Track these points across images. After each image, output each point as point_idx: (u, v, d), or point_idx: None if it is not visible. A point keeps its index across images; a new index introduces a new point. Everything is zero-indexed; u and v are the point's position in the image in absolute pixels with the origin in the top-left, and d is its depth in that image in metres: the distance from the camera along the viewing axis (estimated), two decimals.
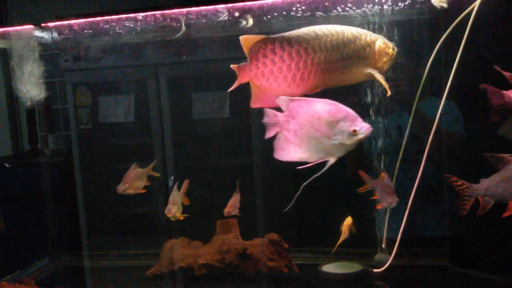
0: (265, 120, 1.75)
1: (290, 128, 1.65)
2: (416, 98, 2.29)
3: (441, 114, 2.17)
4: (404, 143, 2.34)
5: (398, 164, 2.34)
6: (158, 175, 2.43)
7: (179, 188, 2.36)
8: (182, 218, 2.26)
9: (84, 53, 3.56)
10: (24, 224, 3.41)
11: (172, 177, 3.41)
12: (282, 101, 1.66)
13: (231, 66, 1.74)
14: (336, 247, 2.30)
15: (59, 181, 3.45)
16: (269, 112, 1.74)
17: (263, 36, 1.67)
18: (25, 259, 2.71)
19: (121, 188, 2.24)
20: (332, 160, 1.64)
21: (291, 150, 1.71)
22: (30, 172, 3.64)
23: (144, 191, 2.31)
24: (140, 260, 2.63)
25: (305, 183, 1.74)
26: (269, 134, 1.75)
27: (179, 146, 3.46)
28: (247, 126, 3.26)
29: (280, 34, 1.68)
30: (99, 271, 2.61)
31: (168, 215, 2.23)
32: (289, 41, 1.66)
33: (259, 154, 3.32)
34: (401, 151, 2.35)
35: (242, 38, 1.68)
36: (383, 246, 2.43)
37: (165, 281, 2.31)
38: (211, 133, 3.50)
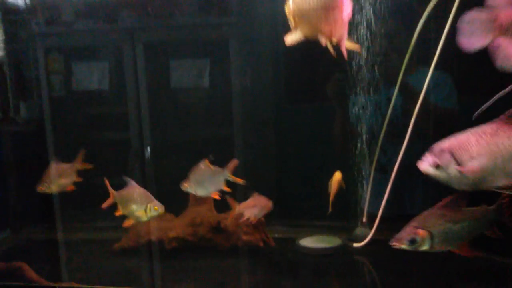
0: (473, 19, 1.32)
1: None
2: (402, 71, 2.15)
3: (432, 87, 2.04)
4: (387, 118, 2.22)
5: (380, 139, 2.23)
6: (90, 166, 2.22)
7: None
8: None
9: (57, 16, 3.37)
10: None
11: (149, 148, 3.28)
12: None
13: None
14: (330, 206, 2.21)
15: (29, 150, 3.30)
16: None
17: None
18: None
19: (40, 188, 2.04)
20: None
21: None
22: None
23: (72, 188, 2.09)
24: (109, 233, 2.49)
25: None
26: (477, 43, 1.34)
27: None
28: (227, 96, 3.13)
29: None
30: (64, 244, 2.48)
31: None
32: None
33: (239, 125, 3.19)
34: (384, 125, 2.23)
35: None
36: (364, 220, 2.33)
37: (133, 255, 2.19)
38: (190, 103, 3.36)
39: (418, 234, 1.54)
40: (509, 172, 1.36)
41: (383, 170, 2.31)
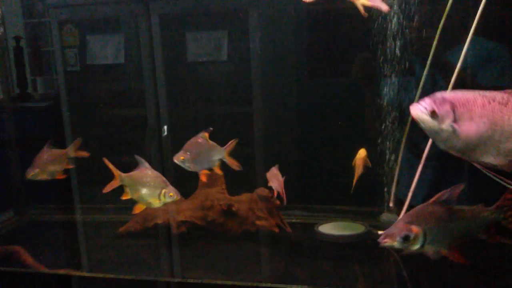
0: None
1: None
2: (434, 45, 1.92)
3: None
4: (417, 97, 2.00)
5: (408, 123, 2.02)
6: (87, 154, 2.04)
7: None
8: None
9: None
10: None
11: (166, 126, 3.16)
12: None
13: None
14: (353, 186, 2.01)
15: (45, 127, 3.23)
16: None
17: None
18: None
19: (30, 173, 1.90)
20: None
21: None
22: (15, 117, 3.41)
23: (63, 176, 1.95)
24: (118, 215, 2.37)
25: None
26: None
27: None
28: (246, 70, 2.96)
29: None
30: (68, 226, 2.38)
31: None
32: None
33: (259, 101, 3.03)
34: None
35: None
36: (391, 205, 2.14)
37: (138, 239, 2.06)
38: (208, 77, 3.20)
39: (412, 231, 1.36)
40: (501, 150, 1.22)
41: (416, 152, 2.11)
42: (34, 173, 1.88)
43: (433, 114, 1.22)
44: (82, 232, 2.31)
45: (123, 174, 1.76)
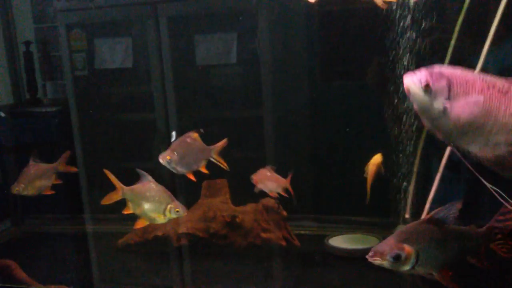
0: None
1: None
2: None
3: None
4: None
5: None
6: (75, 170, 1.95)
7: None
8: None
9: None
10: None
11: (174, 132, 3.09)
12: None
13: None
14: (368, 195, 1.90)
15: (52, 132, 3.20)
16: None
17: None
18: None
19: (15, 188, 1.80)
20: None
21: None
22: (23, 122, 3.39)
23: (51, 192, 1.84)
24: (117, 225, 2.28)
25: None
26: None
27: None
28: (256, 73, 2.87)
29: None
30: (66, 237, 2.31)
31: None
32: None
33: (270, 104, 2.93)
34: None
35: None
36: (407, 216, 2.01)
37: (137, 252, 1.97)
38: (217, 81, 3.13)
39: (403, 250, 1.24)
40: (490, 142, 1.11)
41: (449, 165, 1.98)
42: (19, 188, 1.78)
43: (426, 88, 1.11)
44: (80, 244, 2.23)
45: (125, 188, 1.65)
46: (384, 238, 2.00)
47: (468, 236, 1.33)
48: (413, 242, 1.27)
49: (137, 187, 1.63)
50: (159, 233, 1.98)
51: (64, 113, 3.35)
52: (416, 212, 1.91)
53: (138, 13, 3.09)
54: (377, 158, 1.89)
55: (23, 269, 1.68)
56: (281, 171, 2.75)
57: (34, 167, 1.82)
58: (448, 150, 1.74)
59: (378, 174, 1.86)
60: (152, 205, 1.59)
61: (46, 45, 3.68)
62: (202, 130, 1.75)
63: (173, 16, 3.04)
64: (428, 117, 1.14)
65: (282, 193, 1.87)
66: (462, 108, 1.10)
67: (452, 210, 1.30)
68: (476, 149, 1.14)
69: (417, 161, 1.91)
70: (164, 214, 1.57)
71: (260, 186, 1.89)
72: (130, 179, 1.67)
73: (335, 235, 2.04)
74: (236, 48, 3.02)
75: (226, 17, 2.98)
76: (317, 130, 2.76)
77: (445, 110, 1.11)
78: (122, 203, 1.98)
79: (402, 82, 1.61)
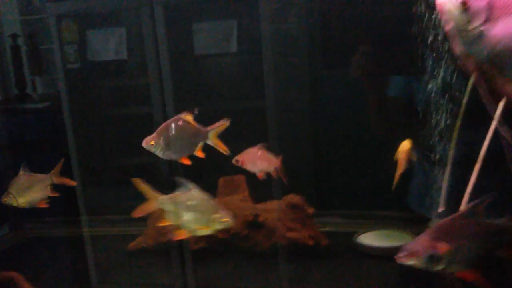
0: None
1: None
2: None
3: None
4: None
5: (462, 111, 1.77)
6: (73, 183, 1.74)
7: None
8: None
9: None
10: None
11: None
12: None
13: None
14: (395, 184, 1.73)
15: (45, 130, 3.07)
16: None
17: None
18: None
19: (3, 199, 1.61)
20: None
21: None
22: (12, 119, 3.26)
23: (45, 205, 1.63)
24: (128, 227, 2.13)
25: None
26: None
27: None
28: (258, 62, 2.75)
29: None
30: (70, 242, 2.15)
31: None
32: None
33: (272, 95, 2.82)
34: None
35: None
36: (440, 210, 1.88)
37: (151, 257, 1.83)
38: (216, 71, 3.02)
39: (439, 249, 1.14)
40: None
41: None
42: (8, 199, 1.58)
43: (464, 6, 0.99)
44: (86, 249, 2.07)
45: (161, 197, 1.44)
46: (418, 234, 1.88)
47: (500, 228, 1.24)
48: (449, 240, 1.17)
49: (176, 196, 1.42)
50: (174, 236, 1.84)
51: (55, 108, 3.23)
52: (452, 205, 1.80)
53: (132, 1, 2.97)
54: (406, 144, 1.75)
55: (28, 280, 1.53)
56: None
57: (24, 177, 1.61)
58: (489, 133, 1.64)
59: (409, 162, 1.73)
60: (194, 216, 1.42)
61: (33, 38, 3.54)
62: (197, 111, 1.55)
63: (168, 3, 2.91)
64: (461, 41, 1.03)
65: (273, 174, 1.70)
66: (502, 33, 0.98)
67: (484, 203, 1.20)
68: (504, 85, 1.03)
69: (452, 147, 1.79)
70: (208, 225, 1.41)
71: (248, 166, 1.71)
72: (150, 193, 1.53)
73: (364, 232, 1.91)
74: (237, 36, 2.91)
75: (225, 3, 2.87)
76: (324, 118, 2.65)
77: (482, 34, 1.00)
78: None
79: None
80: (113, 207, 2.47)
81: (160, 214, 1.39)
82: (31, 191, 1.58)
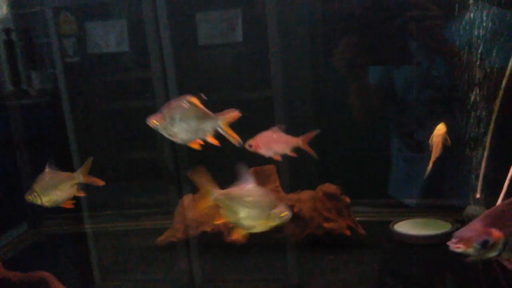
0: None
1: None
2: None
3: None
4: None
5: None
6: (102, 183, 1.60)
7: None
8: None
9: None
10: None
11: None
12: None
13: None
14: (429, 169, 1.68)
15: (44, 127, 3.00)
16: None
17: None
18: None
19: (28, 196, 1.54)
20: None
21: None
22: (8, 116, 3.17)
23: (71, 206, 1.56)
24: (148, 221, 2.07)
25: None
26: None
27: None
28: (264, 52, 2.68)
29: None
30: (93, 238, 2.09)
31: None
32: None
33: (279, 85, 2.78)
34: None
35: None
36: (478, 196, 1.85)
37: (182, 251, 1.77)
38: (221, 61, 2.97)
39: (492, 236, 1.12)
40: None
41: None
42: (32, 196, 1.52)
43: None
44: (112, 245, 2.01)
45: (217, 191, 1.35)
46: (454, 222, 1.84)
47: None
48: (503, 226, 1.15)
49: (233, 191, 1.34)
50: (207, 228, 1.78)
51: (54, 104, 3.15)
52: (490, 191, 1.77)
53: None
54: (441, 128, 1.71)
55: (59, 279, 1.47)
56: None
57: (50, 175, 1.54)
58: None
59: (444, 147, 1.69)
60: (252, 212, 1.32)
61: (28, 32, 3.44)
62: (203, 96, 1.46)
63: None
64: None
65: (291, 154, 1.63)
66: None
67: None
68: None
69: (490, 130, 1.76)
70: (267, 221, 1.34)
71: (263, 150, 1.62)
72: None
73: (399, 221, 1.88)
74: (242, 25, 2.85)
75: None
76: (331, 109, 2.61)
77: None
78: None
79: None
80: (125, 202, 2.42)
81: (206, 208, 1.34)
82: (56, 189, 1.50)
